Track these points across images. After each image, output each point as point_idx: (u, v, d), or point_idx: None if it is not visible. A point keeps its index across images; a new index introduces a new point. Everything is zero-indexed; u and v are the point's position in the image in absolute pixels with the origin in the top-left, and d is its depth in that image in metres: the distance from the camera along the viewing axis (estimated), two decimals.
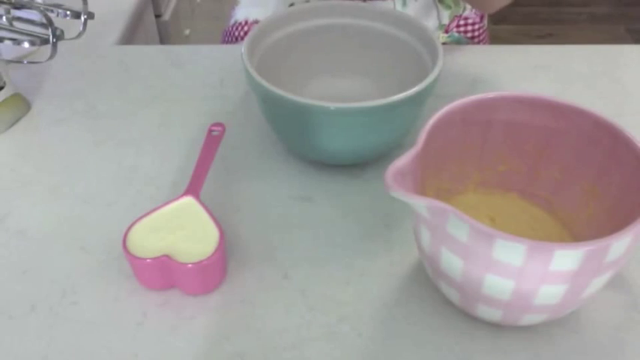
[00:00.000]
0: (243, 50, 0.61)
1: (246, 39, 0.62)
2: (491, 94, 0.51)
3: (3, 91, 0.69)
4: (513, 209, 0.55)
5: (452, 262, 0.44)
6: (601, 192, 0.51)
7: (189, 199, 0.55)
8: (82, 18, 0.72)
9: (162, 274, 0.51)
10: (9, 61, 0.74)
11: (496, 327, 0.49)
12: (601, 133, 0.49)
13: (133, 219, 0.53)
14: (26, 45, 0.70)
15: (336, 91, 0.69)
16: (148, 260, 0.50)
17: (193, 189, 0.56)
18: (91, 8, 0.73)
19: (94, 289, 0.53)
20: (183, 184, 0.60)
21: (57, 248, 0.57)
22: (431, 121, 0.48)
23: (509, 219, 0.54)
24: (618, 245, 0.40)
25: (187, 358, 0.48)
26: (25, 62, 0.77)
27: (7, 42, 0.69)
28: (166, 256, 0.50)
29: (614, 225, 0.42)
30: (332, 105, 0.54)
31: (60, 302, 0.52)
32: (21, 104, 0.72)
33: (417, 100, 0.57)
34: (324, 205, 0.60)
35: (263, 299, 0.52)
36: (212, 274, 0.52)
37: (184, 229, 0.53)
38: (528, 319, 0.46)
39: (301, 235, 0.57)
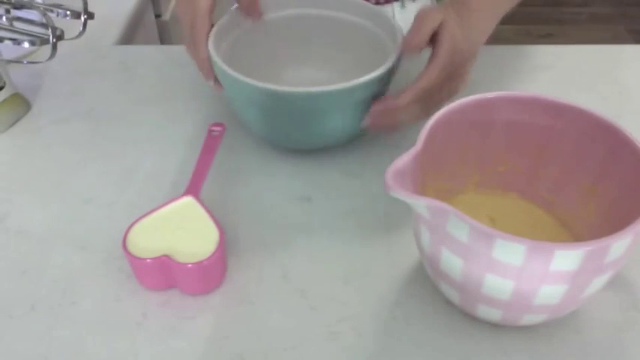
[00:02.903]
0: (210, 39, 0.62)
1: (214, 28, 0.63)
2: (491, 94, 0.51)
3: (3, 91, 0.69)
4: (513, 209, 0.55)
5: (452, 262, 0.44)
6: (601, 192, 0.51)
7: (189, 199, 0.55)
8: (82, 18, 0.72)
9: (162, 274, 0.51)
10: (9, 61, 0.74)
11: (496, 327, 0.49)
12: (601, 133, 0.49)
13: (133, 219, 0.53)
14: (26, 45, 0.70)
15: (303, 81, 0.68)
16: (148, 260, 0.50)
17: (193, 189, 0.56)
18: (91, 8, 0.73)
19: (94, 289, 0.53)
20: (183, 184, 0.60)
21: (57, 248, 0.57)
22: (431, 121, 0.48)
23: (509, 219, 0.54)
24: (618, 245, 0.40)
25: (187, 358, 0.48)
26: (25, 62, 0.77)
27: (7, 42, 0.69)
28: (166, 256, 0.50)
29: (614, 225, 0.42)
30: (295, 90, 0.57)
31: (60, 302, 0.52)
32: (21, 104, 0.72)
33: (369, 88, 0.58)
34: (324, 205, 0.60)
35: (263, 299, 0.52)
36: (212, 273, 0.52)
37: (184, 230, 0.53)
38: (528, 319, 0.46)
39: (301, 235, 0.57)
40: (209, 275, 0.51)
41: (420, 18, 0.58)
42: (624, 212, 0.44)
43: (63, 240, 0.57)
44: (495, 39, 0.65)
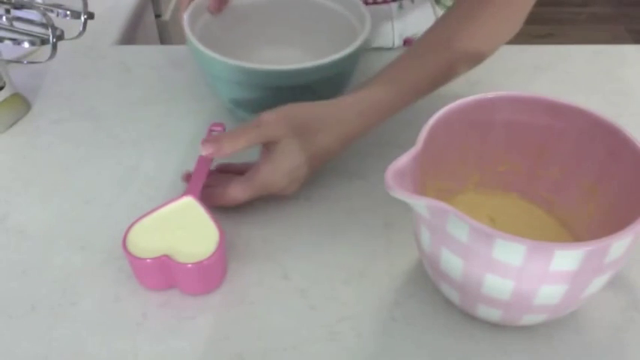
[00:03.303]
0: (184, 21, 0.66)
1: (189, 8, 0.67)
2: (491, 94, 0.51)
3: (3, 91, 0.69)
4: (513, 209, 0.55)
5: (452, 262, 0.44)
6: (601, 192, 0.51)
7: (189, 200, 0.55)
8: (82, 18, 0.72)
9: (162, 274, 0.51)
10: (9, 61, 0.74)
11: (496, 327, 0.49)
12: (601, 133, 0.49)
13: (133, 219, 0.53)
14: (26, 45, 0.70)
15: (275, 61, 0.70)
16: (148, 260, 0.50)
17: (193, 189, 0.56)
18: (91, 8, 0.73)
19: (94, 289, 0.53)
20: (182, 184, 0.60)
21: (57, 248, 0.57)
22: (431, 121, 0.48)
23: (509, 219, 0.54)
24: (618, 245, 0.40)
25: (187, 358, 0.48)
26: (25, 62, 0.77)
27: (7, 42, 0.69)
28: (166, 256, 0.50)
29: (614, 225, 0.42)
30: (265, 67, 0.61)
31: (60, 302, 0.52)
32: (21, 104, 0.72)
33: (340, 65, 0.63)
34: (324, 205, 0.60)
35: (263, 299, 0.52)
36: (212, 274, 0.52)
37: (184, 230, 0.53)
38: (528, 319, 0.46)
39: (301, 236, 0.57)
40: (209, 275, 0.51)
41: (255, 124, 0.55)
42: (624, 212, 0.44)
43: (63, 240, 0.57)
44: None
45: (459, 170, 0.55)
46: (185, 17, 0.67)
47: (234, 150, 0.55)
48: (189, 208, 0.54)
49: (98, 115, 0.72)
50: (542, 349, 0.48)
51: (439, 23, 0.61)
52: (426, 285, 0.52)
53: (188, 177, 0.58)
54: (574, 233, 0.53)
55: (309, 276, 0.54)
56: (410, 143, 0.46)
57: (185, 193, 0.56)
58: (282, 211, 0.60)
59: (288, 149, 0.54)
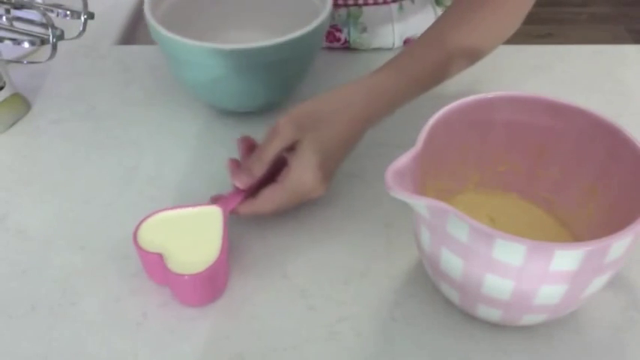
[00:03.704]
0: (145, 5, 0.66)
1: None
2: (491, 94, 0.51)
3: (3, 91, 0.69)
4: (513, 209, 0.55)
5: (452, 262, 0.44)
6: (601, 192, 0.50)
7: (215, 210, 0.54)
8: (82, 18, 0.72)
9: (160, 270, 0.51)
10: (9, 61, 0.74)
11: (496, 327, 0.49)
12: (601, 133, 0.49)
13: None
14: (26, 45, 0.70)
15: (237, 42, 0.71)
16: (145, 252, 0.50)
17: (227, 203, 0.55)
18: (91, 8, 0.73)
19: (94, 289, 0.53)
20: (183, 184, 0.60)
21: (57, 248, 0.57)
22: (431, 121, 0.48)
23: (509, 219, 0.54)
24: (618, 245, 0.40)
25: (187, 358, 0.48)
26: (25, 62, 0.77)
27: (7, 42, 0.69)
28: (159, 255, 0.50)
29: (614, 225, 0.42)
30: (226, 47, 0.61)
31: (60, 302, 0.52)
32: (21, 104, 0.72)
33: (296, 46, 0.63)
34: (324, 205, 0.60)
35: (263, 299, 0.52)
36: (192, 291, 0.51)
37: (191, 236, 0.52)
38: (528, 319, 0.46)
39: (301, 236, 0.57)
40: (188, 291, 0.51)
41: (272, 132, 0.55)
42: (624, 212, 0.44)
43: (63, 240, 0.57)
44: None
45: (459, 170, 0.55)
46: (146, 2, 0.67)
47: (265, 167, 0.55)
48: (210, 218, 0.53)
49: (98, 115, 0.72)
50: (542, 349, 0.48)
51: (439, 20, 0.62)
52: (426, 285, 0.52)
53: (215, 199, 0.56)
54: (574, 233, 0.53)
55: (309, 276, 0.54)
56: (410, 143, 0.46)
57: (217, 202, 0.55)
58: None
59: (312, 144, 0.54)
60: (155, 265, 0.51)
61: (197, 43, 0.62)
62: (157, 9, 0.68)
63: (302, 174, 0.54)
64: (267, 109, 0.70)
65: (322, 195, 0.57)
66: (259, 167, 0.55)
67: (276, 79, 0.67)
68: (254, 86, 0.66)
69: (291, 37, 0.62)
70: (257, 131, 0.60)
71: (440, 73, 0.60)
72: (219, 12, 0.76)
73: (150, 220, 0.53)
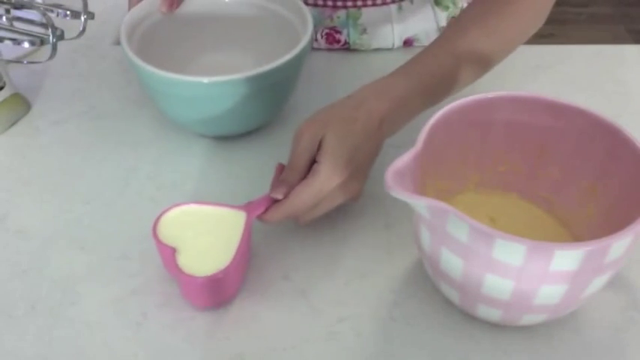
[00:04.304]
0: (122, 30, 0.64)
1: (126, 18, 0.65)
2: (491, 94, 0.51)
3: (3, 91, 0.69)
4: (513, 209, 0.55)
5: (452, 262, 0.44)
6: (601, 192, 0.50)
7: (241, 214, 0.53)
8: (82, 18, 0.72)
9: (173, 264, 0.50)
10: (9, 61, 0.74)
11: (496, 327, 0.49)
12: (601, 133, 0.49)
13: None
14: (26, 45, 0.70)
15: (218, 67, 0.68)
16: (160, 243, 0.50)
17: (254, 208, 0.53)
18: (91, 8, 0.73)
19: (94, 289, 0.53)
20: (183, 184, 0.60)
21: (57, 248, 0.57)
22: (431, 121, 0.48)
23: (509, 219, 0.54)
24: (618, 245, 0.40)
25: (187, 358, 0.48)
26: (25, 62, 0.77)
27: (7, 42, 0.69)
28: (172, 248, 0.49)
29: (614, 225, 0.42)
30: (205, 79, 0.58)
31: (60, 302, 0.52)
32: (21, 104, 0.72)
33: (283, 71, 0.61)
34: None
35: (263, 299, 0.52)
36: (194, 292, 0.50)
37: (211, 236, 0.51)
38: (528, 319, 0.46)
39: (301, 236, 0.57)
40: (191, 290, 0.50)
41: (296, 139, 0.54)
42: (624, 212, 0.44)
43: (63, 240, 0.57)
44: None
45: (459, 170, 0.55)
46: (122, 27, 0.64)
47: (299, 174, 0.53)
48: (233, 221, 0.52)
49: (98, 115, 0.72)
50: (542, 349, 0.48)
51: (451, 24, 0.60)
52: (426, 285, 0.52)
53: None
54: (574, 233, 0.53)
55: (309, 276, 0.54)
56: (410, 143, 0.46)
57: (245, 207, 0.53)
58: None
59: (336, 137, 0.53)
60: (168, 257, 0.50)
61: (174, 76, 0.59)
62: (133, 34, 0.65)
63: (330, 166, 0.52)
64: (255, 128, 0.68)
65: (360, 195, 0.55)
66: (293, 175, 0.53)
67: (259, 105, 0.63)
68: (236, 114, 0.62)
69: (272, 67, 0.59)
70: (251, 141, 0.60)
71: (450, 79, 0.58)
72: (196, 34, 0.72)
73: (172, 212, 0.52)
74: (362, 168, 0.55)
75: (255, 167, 0.64)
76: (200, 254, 0.50)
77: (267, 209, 0.53)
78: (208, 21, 0.73)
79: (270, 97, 0.64)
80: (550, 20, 0.65)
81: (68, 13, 0.73)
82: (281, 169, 0.55)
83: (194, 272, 0.48)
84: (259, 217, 0.54)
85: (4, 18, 0.75)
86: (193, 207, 0.53)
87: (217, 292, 0.50)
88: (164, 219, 0.52)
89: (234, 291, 0.52)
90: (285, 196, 0.53)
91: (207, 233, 0.51)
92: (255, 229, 0.58)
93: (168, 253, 0.50)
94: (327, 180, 0.52)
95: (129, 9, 0.67)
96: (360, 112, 0.55)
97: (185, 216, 0.52)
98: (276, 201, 0.53)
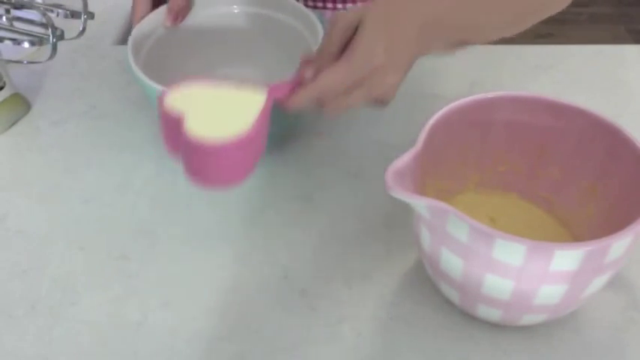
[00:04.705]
0: (129, 45, 0.61)
1: (133, 32, 0.63)
2: (491, 94, 0.51)
3: (3, 91, 0.69)
4: (513, 209, 0.55)
5: (452, 262, 0.44)
6: (601, 192, 0.50)
7: (261, 95, 0.48)
8: (82, 18, 0.72)
9: (177, 136, 0.46)
10: (9, 61, 0.74)
11: (496, 327, 0.49)
12: (601, 133, 0.49)
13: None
14: (26, 45, 0.70)
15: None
16: (166, 112, 0.46)
17: (276, 90, 0.49)
18: (91, 8, 0.73)
19: (94, 289, 0.53)
20: (183, 184, 0.60)
21: (57, 248, 0.57)
22: (431, 121, 0.48)
23: (509, 219, 0.54)
24: (618, 245, 0.40)
25: (187, 358, 0.48)
26: (25, 62, 0.77)
27: (7, 42, 0.69)
28: (180, 118, 0.46)
29: (614, 225, 0.42)
30: None
31: (60, 302, 0.52)
32: (21, 104, 0.72)
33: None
34: (324, 205, 0.60)
35: (263, 299, 0.52)
36: (206, 166, 0.46)
37: (225, 111, 0.47)
38: (528, 319, 0.46)
39: (301, 236, 0.57)
40: (201, 163, 0.46)
41: (332, 22, 0.50)
42: (624, 212, 0.44)
43: (63, 240, 0.57)
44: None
45: (459, 170, 0.55)
46: (129, 44, 0.61)
47: (332, 56, 0.48)
48: (250, 101, 0.48)
49: (98, 115, 0.72)
50: (542, 349, 0.48)
51: None
52: (426, 285, 0.52)
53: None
54: (574, 233, 0.53)
55: (309, 276, 0.54)
56: (410, 143, 0.46)
57: (267, 87, 0.49)
58: (283, 210, 0.60)
59: (376, 16, 0.48)
60: (173, 129, 0.46)
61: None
62: (141, 49, 0.63)
63: (366, 47, 0.47)
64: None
65: (392, 94, 0.50)
66: (324, 58, 0.49)
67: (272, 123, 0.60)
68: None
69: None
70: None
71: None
72: (204, 47, 0.70)
73: (183, 87, 0.48)
74: (400, 61, 0.50)
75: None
76: (211, 125, 0.46)
77: (291, 91, 0.49)
78: (216, 34, 0.70)
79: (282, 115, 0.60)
80: (549, 20, 0.65)
81: (68, 13, 0.73)
82: (307, 59, 0.51)
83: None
84: (282, 102, 0.49)
85: (4, 18, 0.75)
86: (207, 84, 0.49)
87: (227, 167, 0.47)
88: (173, 93, 0.47)
89: (244, 171, 0.48)
90: (313, 76, 0.48)
91: (221, 108, 0.48)
92: (255, 228, 0.58)
93: (174, 125, 0.46)
94: (361, 60, 0.47)
95: (133, 25, 0.64)
96: (405, 8, 0.49)
97: (197, 91, 0.48)
98: (301, 86, 0.49)
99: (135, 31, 0.63)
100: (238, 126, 0.46)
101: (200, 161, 0.46)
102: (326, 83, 0.48)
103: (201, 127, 0.45)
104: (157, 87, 0.55)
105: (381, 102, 0.51)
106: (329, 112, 0.50)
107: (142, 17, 0.64)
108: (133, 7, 0.65)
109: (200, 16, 0.69)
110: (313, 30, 0.63)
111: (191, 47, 0.70)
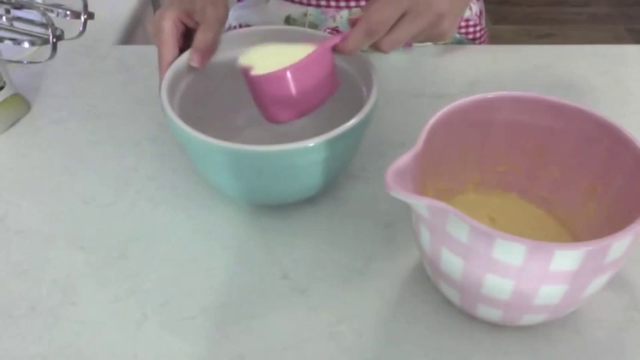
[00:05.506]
0: (162, 89, 0.56)
1: (167, 74, 0.57)
2: (491, 94, 0.51)
3: (3, 91, 0.69)
4: (513, 209, 0.55)
5: (452, 262, 0.44)
6: (601, 192, 0.51)
7: (314, 48, 0.53)
8: (82, 18, 0.72)
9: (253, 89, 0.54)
10: (9, 61, 0.74)
11: (496, 327, 0.49)
12: (601, 133, 0.49)
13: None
14: (26, 45, 0.70)
15: (267, 127, 0.58)
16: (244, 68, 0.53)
17: (331, 40, 0.52)
18: (91, 8, 0.73)
19: (94, 289, 0.53)
20: (183, 184, 0.60)
21: (57, 248, 0.57)
22: (431, 121, 0.48)
23: (509, 219, 0.54)
24: (618, 245, 0.40)
25: (187, 358, 0.48)
26: (25, 62, 0.77)
27: (7, 42, 0.69)
28: (250, 67, 0.53)
29: (614, 225, 0.42)
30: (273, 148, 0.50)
31: (60, 302, 0.52)
32: (21, 104, 0.72)
33: (350, 134, 0.52)
34: (324, 205, 0.60)
35: (263, 299, 0.52)
36: (271, 100, 0.53)
37: (287, 58, 0.52)
38: (528, 319, 0.46)
39: (301, 236, 0.57)
40: (261, 97, 0.54)
41: None
42: (624, 212, 0.44)
43: (63, 240, 0.58)
44: (495, 39, 0.65)
45: (459, 170, 0.55)
46: (163, 87, 0.56)
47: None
48: (307, 49, 0.53)
49: (98, 115, 0.72)
50: (542, 349, 0.48)
51: None
52: (426, 285, 0.52)
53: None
54: (574, 233, 0.53)
55: (309, 276, 0.54)
56: (410, 143, 0.46)
57: (330, 41, 0.53)
58: (283, 211, 0.60)
59: None
60: (246, 76, 0.53)
61: (223, 144, 0.50)
62: (175, 90, 0.58)
63: None
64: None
65: (443, 23, 0.48)
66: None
67: (311, 178, 0.55)
68: (286, 186, 0.55)
69: (330, 137, 0.50)
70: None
71: None
72: (236, 89, 0.60)
73: (251, 49, 0.55)
74: (457, 4, 0.49)
75: None
76: (271, 67, 0.52)
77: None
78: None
79: (323, 169, 0.55)
80: (549, 20, 0.65)
81: (68, 13, 0.73)
82: (355, 21, 0.50)
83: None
84: (338, 48, 0.52)
85: (4, 18, 0.75)
86: (273, 44, 0.55)
87: (288, 97, 0.53)
88: (244, 55, 0.55)
89: (310, 101, 0.53)
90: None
91: (280, 56, 0.53)
92: (255, 228, 0.58)
93: (246, 73, 0.53)
94: None
95: (160, 77, 0.58)
96: None
97: (264, 48, 0.55)
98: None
99: (166, 78, 0.57)
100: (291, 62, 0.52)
101: (265, 95, 0.53)
102: (376, 17, 0.47)
103: (263, 70, 0.52)
104: (206, 140, 0.51)
105: (430, 39, 0.50)
106: (383, 45, 0.49)
107: (171, 61, 0.58)
108: (160, 52, 0.58)
109: (234, 51, 0.61)
110: (367, 74, 0.58)
111: (224, 87, 0.63)
